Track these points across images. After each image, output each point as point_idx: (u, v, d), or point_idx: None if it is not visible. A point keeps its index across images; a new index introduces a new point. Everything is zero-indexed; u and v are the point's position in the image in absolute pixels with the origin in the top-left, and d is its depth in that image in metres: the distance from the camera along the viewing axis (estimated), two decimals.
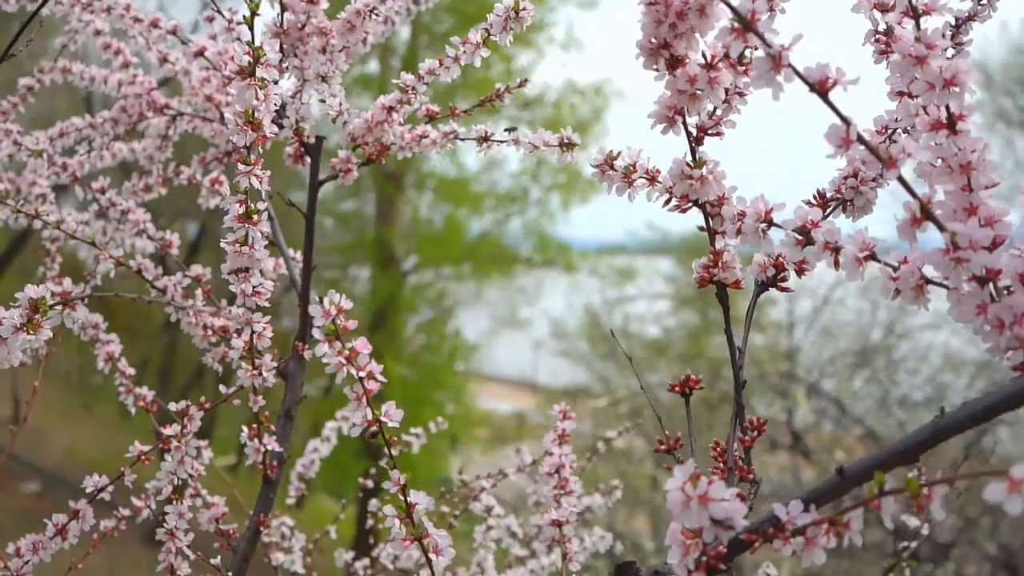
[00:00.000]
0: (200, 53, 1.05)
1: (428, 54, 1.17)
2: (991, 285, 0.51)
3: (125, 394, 1.08)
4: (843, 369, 6.40)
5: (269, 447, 0.97)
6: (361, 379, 0.62)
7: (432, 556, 0.64)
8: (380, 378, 0.62)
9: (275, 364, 0.91)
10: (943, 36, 0.60)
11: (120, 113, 1.19)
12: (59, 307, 0.69)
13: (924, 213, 0.51)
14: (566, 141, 0.82)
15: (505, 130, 0.93)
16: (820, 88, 0.50)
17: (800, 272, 0.68)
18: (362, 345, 0.62)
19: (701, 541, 0.52)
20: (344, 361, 0.61)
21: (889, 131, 0.69)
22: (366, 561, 1.38)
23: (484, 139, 0.93)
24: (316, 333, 0.61)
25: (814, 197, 0.69)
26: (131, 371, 1.10)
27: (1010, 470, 0.40)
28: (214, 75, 1.13)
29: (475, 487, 1.32)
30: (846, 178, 0.68)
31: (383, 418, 0.63)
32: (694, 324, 10.22)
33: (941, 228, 0.51)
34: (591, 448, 1.70)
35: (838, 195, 0.69)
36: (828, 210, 0.69)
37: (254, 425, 0.96)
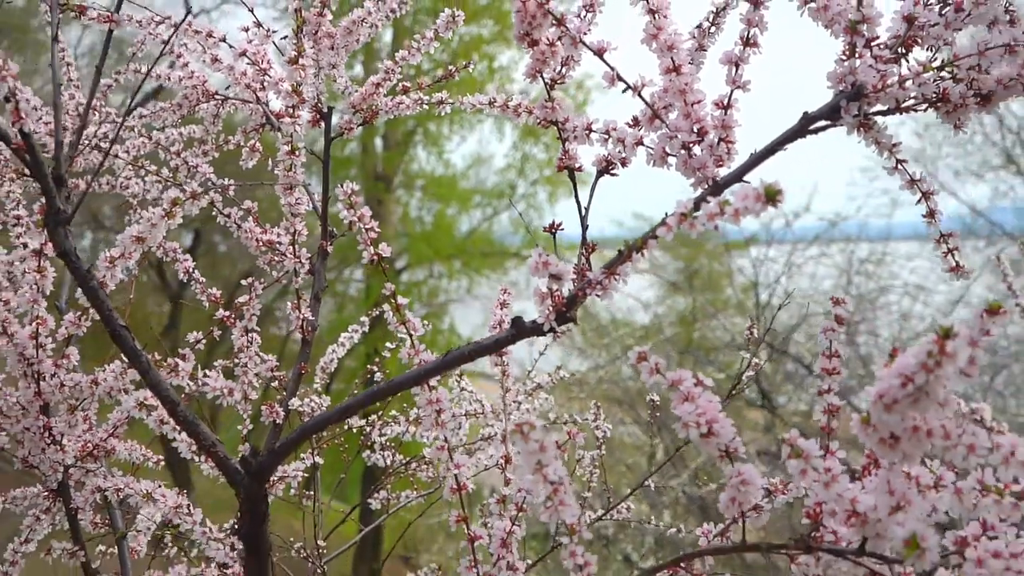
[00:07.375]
0: (243, 53, 1.52)
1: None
2: (691, 149, 0.99)
3: (201, 293, 1.55)
4: (810, 329, 6.88)
5: (305, 316, 1.44)
6: (367, 229, 1.09)
7: (411, 332, 1.11)
8: (376, 229, 1.09)
9: (309, 255, 1.39)
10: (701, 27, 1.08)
11: (183, 99, 1.66)
12: (188, 200, 1.16)
13: (654, 115, 0.99)
14: (492, 101, 1.29)
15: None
16: (598, 52, 0.98)
17: (623, 164, 1.15)
18: (366, 211, 1.09)
19: (551, 293, 0.99)
20: (356, 220, 1.08)
21: None
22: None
23: (441, 102, 1.41)
24: (339, 205, 1.08)
25: (632, 119, 1.17)
26: (203, 280, 1.56)
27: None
28: (250, 68, 1.60)
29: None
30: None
31: (380, 252, 1.10)
32: (682, 310, 10.70)
33: (663, 122, 0.99)
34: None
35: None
36: (641, 128, 1.16)
37: (295, 300, 1.44)
